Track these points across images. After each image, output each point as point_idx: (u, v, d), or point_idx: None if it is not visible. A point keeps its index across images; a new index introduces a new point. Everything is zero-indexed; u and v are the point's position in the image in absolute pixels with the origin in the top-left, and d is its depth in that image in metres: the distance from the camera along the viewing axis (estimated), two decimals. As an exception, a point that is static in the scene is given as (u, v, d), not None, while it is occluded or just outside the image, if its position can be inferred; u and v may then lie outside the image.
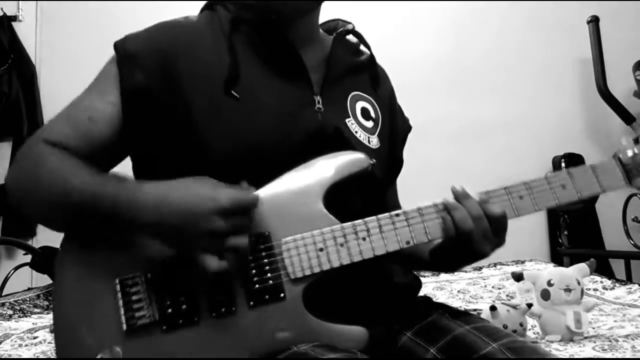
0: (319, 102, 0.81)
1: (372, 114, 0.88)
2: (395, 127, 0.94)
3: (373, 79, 0.93)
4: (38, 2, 2.92)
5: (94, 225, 0.70)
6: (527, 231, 2.79)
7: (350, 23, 0.93)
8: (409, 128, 1.01)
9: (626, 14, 3.02)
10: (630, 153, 0.77)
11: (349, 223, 0.72)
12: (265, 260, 0.70)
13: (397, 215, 0.73)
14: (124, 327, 0.67)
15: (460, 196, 0.73)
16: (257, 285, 0.69)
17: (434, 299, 0.97)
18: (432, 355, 0.72)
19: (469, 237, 0.72)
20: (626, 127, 2.75)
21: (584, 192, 0.76)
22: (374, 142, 0.85)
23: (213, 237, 0.64)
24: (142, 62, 0.76)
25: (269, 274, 0.70)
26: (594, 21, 2.70)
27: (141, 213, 0.66)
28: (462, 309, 1.71)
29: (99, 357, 0.66)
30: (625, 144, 0.78)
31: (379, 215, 0.73)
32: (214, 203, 0.64)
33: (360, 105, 0.87)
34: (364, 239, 0.72)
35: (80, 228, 0.73)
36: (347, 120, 0.83)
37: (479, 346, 0.69)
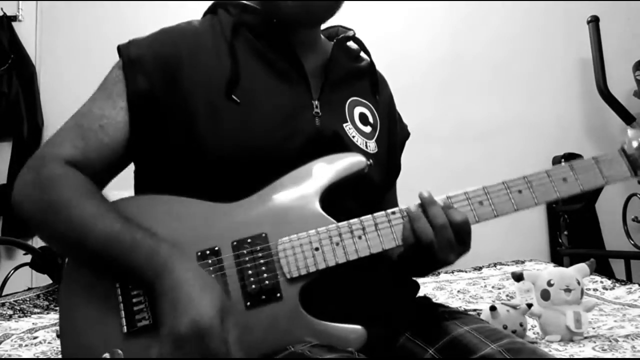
0: (317, 107, 0.81)
1: (371, 120, 0.89)
2: (393, 134, 0.94)
3: (373, 85, 0.93)
4: (38, 2, 2.92)
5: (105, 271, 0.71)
6: (527, 231, 2.79)
7: (351, 30, 0.93)
8: (407, 135, 1.01)
9: (626, 14, 3.01)
10: (635, 144, 0.75)
11: (345, 222, 0.72)
12: (262, 261, 0.70)
13: (393, 213, 0.73)
14: (124, 329, 0.68)
15: (426, 202, 0.72)
16: (253, 286, 0.69)
17: (434, 299, 0.98)
18: (430, 356, 0.72)
19: (430, 246, 0.70)
20: (626, 127, 2.75)
21: (586, 184, 0.74)
22: (372, 147, 0.85)
23: (174, 336, 0.61)
24: (145, 67, 0.77)
25: (265, 274, 0.70)
26: (594, 21, 2.70)
27: (151, 277, 0.65)
28: (462, 309, 1.72)
29: (104, 357, 0.67)
30: (631, 135, 0.76)
31: (375, 214, 0.73)
32: (197, 313, 0.61)
33: (358, 110, 0.87)
34: (359, 237, 0.72)
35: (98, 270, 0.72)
36: (344, 125, 0.83)
37: (478, 347, 0.69)
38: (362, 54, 0.95)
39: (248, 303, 0.69)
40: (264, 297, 0.69)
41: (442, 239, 0.70)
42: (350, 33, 0.92)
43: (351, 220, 0.72)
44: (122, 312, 0.69)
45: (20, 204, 0.72)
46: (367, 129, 0.87)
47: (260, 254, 0.71)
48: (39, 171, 0.73)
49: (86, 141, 0.75)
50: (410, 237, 0.71)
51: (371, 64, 0.94)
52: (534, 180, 0.74)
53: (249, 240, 0.71)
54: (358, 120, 0.86)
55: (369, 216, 0.73)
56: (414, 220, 0.71)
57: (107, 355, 0.67)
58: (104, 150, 0.76)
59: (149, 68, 0.77)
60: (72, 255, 0.74)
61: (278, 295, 0.69)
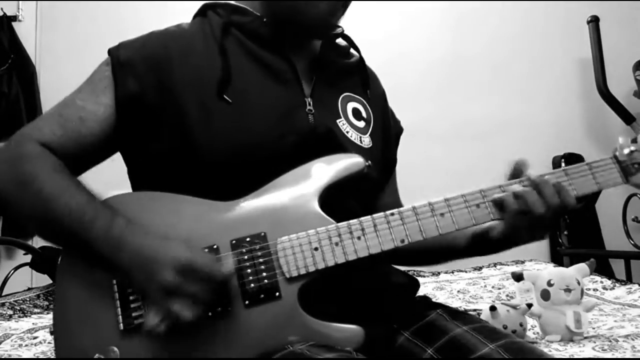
0: (309, 104, 0.82)
1: (364, 114, 0.89)
2: (387, 128, 0.95)
3: (363, 80, 0.93)
4: (38, 2, 2.92)
5: (74, 250, 0.73)
6: (527, 231, 2.78)
7: (339, 27, 0.93)
8: (400, 130, 1.02)
9: (626, 14, 3.01)
10: (626, 150, 0.78)
11: (344, 223, 0.72)
12: (261, 260, 0.70)
13: (392, 214, 0.73)
14: (121, 326, 0.68)
15: (539, 182, 0.73)
16: (252, 285, 0.69)
17: (434, 299, 0.98)
18: (429, 356, 0.72)
19: (538, 220, 0.73)
20: (626, 127, 2.75)
21: (580, 190, 0.76)
22: (366, 141, 0.86)
23: (159, 291, 0.64)
24: (135, 70, 0.78)
25: (264, 274, 0.70)
26: (594, 21, 2.70)
27: (110, 251, 0.68)
28: (462, 309, 1.71)
29: (96, 357, 0.67)
30: (622, 142, 0.78)
31: (374, 215, 0.73)
32: (172, 257, 0.65)
33: (351, 106, 0.88)
34: (359, 238, 0.72)
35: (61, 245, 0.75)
36: (338, 120, 0.84)
37: (476, 347, 0.69)
38: (352, 51, 0.95)
39: (247, 302, 0.69)
40: (262, 296, 0.69)
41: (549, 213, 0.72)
42: (339, 30, 0.92)
43: (350, 221, 0.73)
44: (119, 310, 0.69)
45: None
46: (361, 124, 0.87)
47: (259, 253, 0.71)
48: (14, 149, 0.75)
49: (64, 130, 0.77)
50: (528, 206, 0.72)
51: (361, 59, 0.94)
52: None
53: (248, 239, 0.71)
54: (351, 116, 0.87)
55: (368, 217, 0.73)
56: (543, 186, 0.72)
57: (97, 355, 0.67)
58: (80, 141, 0.77)
59: (139, 71, 0.78)
60: (39, 229, 0.76)
61: (277, 294, 0.69)
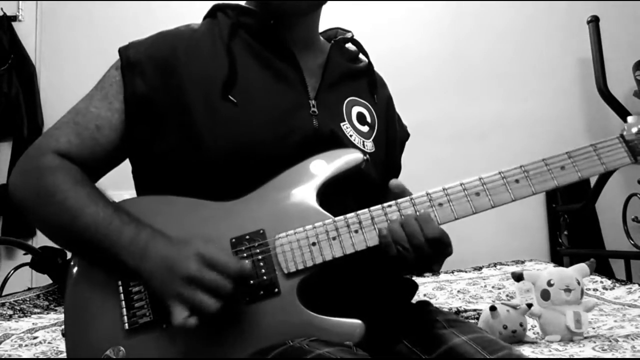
0: (313, 106, 0.82)
1: (368, 119, 0.89)
2: (392, 134, 0.94)
3: (370, 85, 0.93)
4: (38, 2, 2.92)
5: (96, 259, 0.73)
6: (527, 231, 2.78)
7: (349, 32, 0.94)
8: (406, 135, 1.02)
9: (626, 14, 3.01)
10: (634, 129, 0.74)
11: (341, 217, 0.73)
12: (260, 257, 0.71)
13: (390, 206, 0.73)
14: (126, 325, 0.70)
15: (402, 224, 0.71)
16: (252, 281, 0.70)
17: (434, 299, 0.98)
18: None
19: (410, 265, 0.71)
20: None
21: (585, 172, 0.73)
22: (369, 146, 0.86)
23: (185, 281, 0.64)
24: (143, 69, 0.79)
25: (263, 270, 0.71)
26: (594, 21, 2.69)
27: (134, 260, 0.69)
28: (462, 309, 1.72)
29: (104, 355, 0.68)
30: (631, 121, 0.75)
31: (372, 207, 0.73)
32: (195, 249, 0.66)
33: (356, 110, 0.88)
34: (356, 231, 0.72)
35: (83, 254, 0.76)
36: (342, 124, 0.84)
37: (475, 358, 0.68)
38: (361, 56, 0.95)
39: (247, 298, 0.70)
40: (262, 292, 0.70)
41: (420, 256, 0.70)
42: (349, 35, 0.93)
43: (348, 215, 0.73)
44: (124, 310, 0.70)
45: (16, 190, 0.76)
46: (365, 129, 0.87)
47: (258, 250, 0.71)
48: (35, 160, 0.76)
49: (81, 139, 0.78)
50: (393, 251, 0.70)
51: (369, 64, 0.95)
52: (531, 170, 0.74)
53: (247, 237, 0.72)
54: (356, 120, 0.87)
55: (366, 210, 0.73)
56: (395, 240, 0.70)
57: (109, 352, 0.68)
58: (97, 149, 0.78)
59: (147, 71, 0.79)
60: (62, 240, 0.77)
61: (276, 290, 0.70)
